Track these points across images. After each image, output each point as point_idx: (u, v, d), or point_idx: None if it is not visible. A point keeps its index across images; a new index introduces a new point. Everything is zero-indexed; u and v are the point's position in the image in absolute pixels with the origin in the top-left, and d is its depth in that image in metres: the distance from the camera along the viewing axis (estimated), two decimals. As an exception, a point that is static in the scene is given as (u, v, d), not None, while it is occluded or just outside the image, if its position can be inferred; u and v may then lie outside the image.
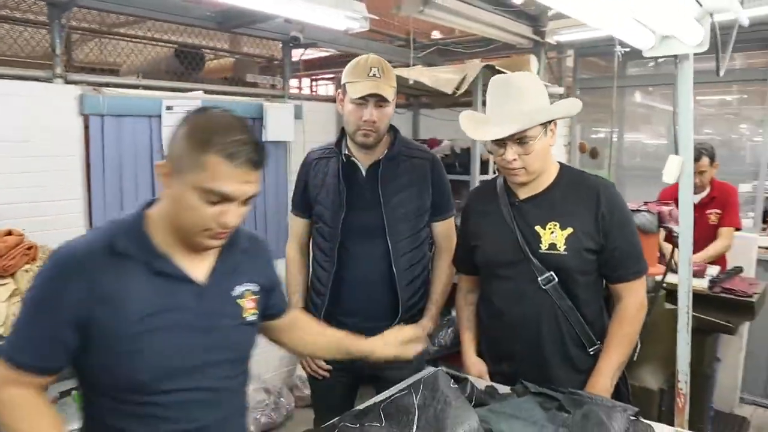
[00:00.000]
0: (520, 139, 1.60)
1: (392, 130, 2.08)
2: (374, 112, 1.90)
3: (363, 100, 1.90)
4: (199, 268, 1.25)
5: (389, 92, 1.91)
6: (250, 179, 1.16)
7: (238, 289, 1.32)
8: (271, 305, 1.45)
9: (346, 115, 1.97)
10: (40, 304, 1.15)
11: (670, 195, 3.47)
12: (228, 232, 1.21)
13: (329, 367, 2.09)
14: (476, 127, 1.71)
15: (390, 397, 1.46)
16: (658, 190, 3.80)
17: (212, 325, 1.25)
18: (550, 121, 1.64)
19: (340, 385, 2.12)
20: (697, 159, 3.46)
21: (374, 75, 1.89)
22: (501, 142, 1.62)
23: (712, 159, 3.57)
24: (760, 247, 3.82)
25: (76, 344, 1.15)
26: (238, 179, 1.14)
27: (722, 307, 2.83)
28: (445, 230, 2.15)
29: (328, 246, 2.04)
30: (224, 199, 1.15)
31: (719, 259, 3.52)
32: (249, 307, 1.33)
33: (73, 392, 2.75)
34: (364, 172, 2.02)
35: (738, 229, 3.58)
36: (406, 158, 2.05)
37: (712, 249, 3.46)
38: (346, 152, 2.03)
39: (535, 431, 1.37)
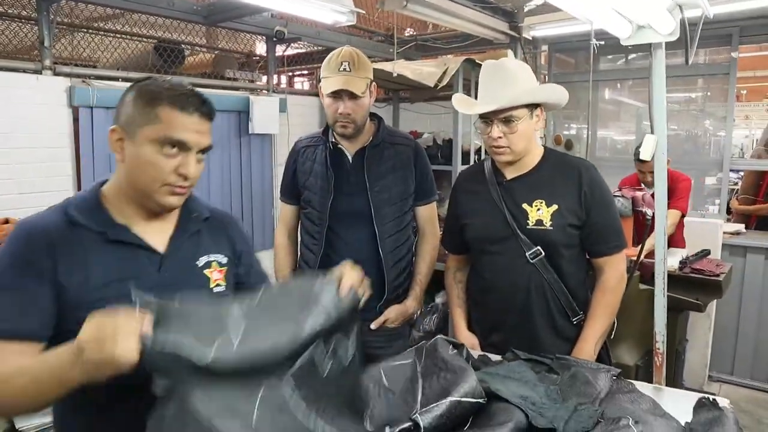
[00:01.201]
0: (506, 118, 1.71)
1: (376, 118, 2.18)
2: (348, 105, 1.99)
3: (336, 95, 1.99)
4: (158, 238, 1.28)
5: (360, 85, 1.98)
6: (203, 129, 1.22)
7: (203, 260, 1.34)
8: (251, 283, 1.44)
9: (325, 108, 2.07)
10: (15, 275, 1.13)
11: (629, 183, 3.66)
12: (188, 188, 1.25)
13: None
14: (468, 106, 1.83)
15: (393, 365, 1.55)
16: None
17: (173, 294, 1.23)
18: (536, 107, 1.76)
19: None
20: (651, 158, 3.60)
21: (344, 69, 1.97)
22: (488, 121, 1.73)
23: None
24: (724, 233, 4.02)
25: (55, 313, 1.15)
26: (192, 127, 1.20)
27: (692, 287, 3.00)
28: (428, 214, 2.25)
29: (316, 230, 2.12)
30: (181, 148, 1.19)
31: (680, 244, 3.69)
32: (215, 278, 1.35)
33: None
34: (350, 159, 2.11)
35: (683, 215, 3.68)
36: (390, 145, 2.14)
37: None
38: (333, 140, 2.12)
39: (527, 389, 1.47)
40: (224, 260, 1.38)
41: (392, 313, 2.16)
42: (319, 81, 2.08)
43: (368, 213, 2.07)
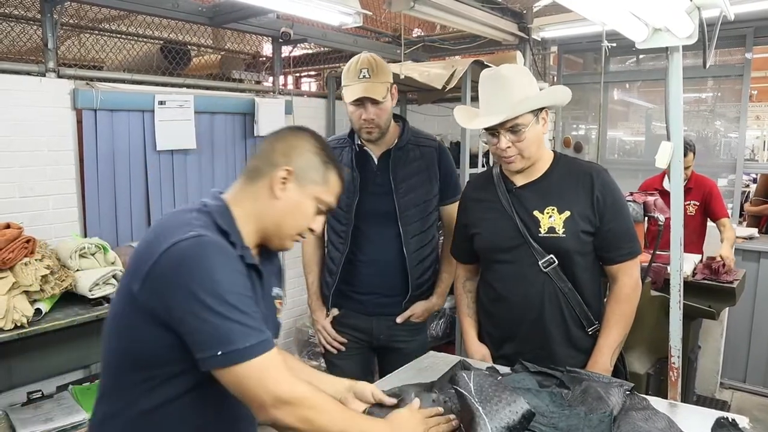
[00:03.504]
0: (512, 127, 1.66)
1: (401, 120, 2.22)
2: (371, 111, 2.02)
3: (359, 102, 2.02)
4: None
5: (380, 91, 2.01)
6: None
7: (275, 291, 1.40)
8: None
9: (349, 115, 2.11)
10: (241, 287, 1.13)
11: (651, 185, 3.59)
12: None
13: (344, 339, 2.23)
14: (470, 119, 1.78)
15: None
16: (639, 182, 3.93)
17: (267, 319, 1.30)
18: (541, 110, 1.71)
19: (356, 358, 2.26)
20: (684, 155, 3.56)
21: (364, 77, 2.01)
22: (495, 132, 1.69)
23: (694, 154, 3.69)
24: (738, 237, 3.94)
25: None
26: (339, 195, 1.35)
27: (704, 294, 2.94)
28: (454, 213, 2.24)
29: (342, 228, 2.17)
30: (327, 210, 1.34)
31: (698, 249, 3.63)
32: (279, 309, 1.40)
33: (71, 387, 2.75)
34: (376, 161, 2.15)
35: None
36: (415, 146, 2.17)
37: (729, 241, 3.46)
38: (359, 142, 2.16)
39: (531, 397, 1.43)
40: (281, 293, 1.43)
41: (418, 309, 2.21)
42: (338, 87, 2.11)
43: (393, 214, 2.11)
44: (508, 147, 1.68)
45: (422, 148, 2.17)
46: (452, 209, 2.24)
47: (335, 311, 2.25)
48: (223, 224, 1.19)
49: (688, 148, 3.62)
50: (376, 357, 2.33)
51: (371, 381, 2.17)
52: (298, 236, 1.31)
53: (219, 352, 1.06)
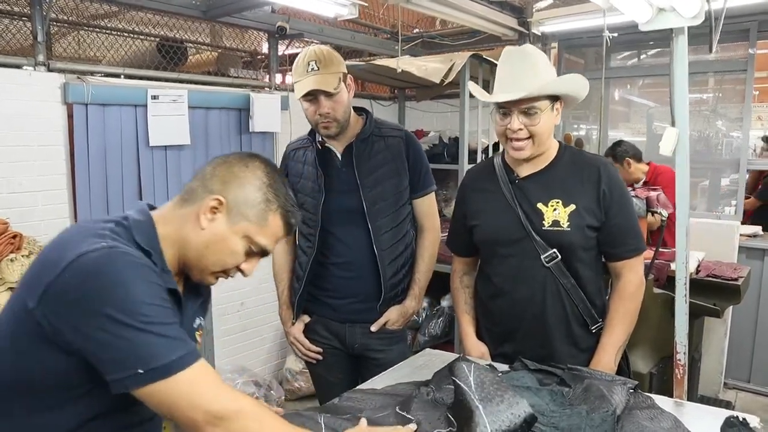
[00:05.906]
0: (527, 109, 1.59)
1: (364, 112, 2.11)
2: (325, 104, 1.92)
3: (311, 96, 1.91)
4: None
5: (332, 82, 1.90)
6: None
7: (197, 322, 1.28)
8: None
9: (304, 112, 2.00)
10: (159, 299, 1.03)
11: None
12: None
13: (319, 349, 2.12)
14: (486, 92, 1.69)
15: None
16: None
17: None
18: (557, 99, 1.64)
19: (337, 365, 2.14)
20: (619, 163, 3.72)
21: (312, 69, 1.89)
22: (508, 111, 1.62)
23: (614, 158, 3.66)
24: (741, 235, 3.88)
25: None
26: (279, 240, 1.22)
27: (708, 292, 2.88)
28: (426, 207, 2.16)
29: (309, 232, 2.06)
30: (261, 254, 1.19)
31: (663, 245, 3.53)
32: (198, 342, 1.28)
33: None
34: (339, 157, 2.04)
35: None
36: (379, 138, 2.06)
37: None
38: (320, 140, 2.06)
39: (530, 395, 1.37)
40: (203, 323, 1.31)
41: (393, 314, 2.07)
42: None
43: (361, 210, 1.99)
44: (520, 129, 1.61)
45: (387, 138, 2.06)
46: (424, 203, 2.14)
47: (306, 318, 2.14)
48: (144, 242, 1.09)
49: (625, 154, 3.67)
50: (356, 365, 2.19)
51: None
52: (222, 273, 1.18)
53: (140, 370, 0.96)
